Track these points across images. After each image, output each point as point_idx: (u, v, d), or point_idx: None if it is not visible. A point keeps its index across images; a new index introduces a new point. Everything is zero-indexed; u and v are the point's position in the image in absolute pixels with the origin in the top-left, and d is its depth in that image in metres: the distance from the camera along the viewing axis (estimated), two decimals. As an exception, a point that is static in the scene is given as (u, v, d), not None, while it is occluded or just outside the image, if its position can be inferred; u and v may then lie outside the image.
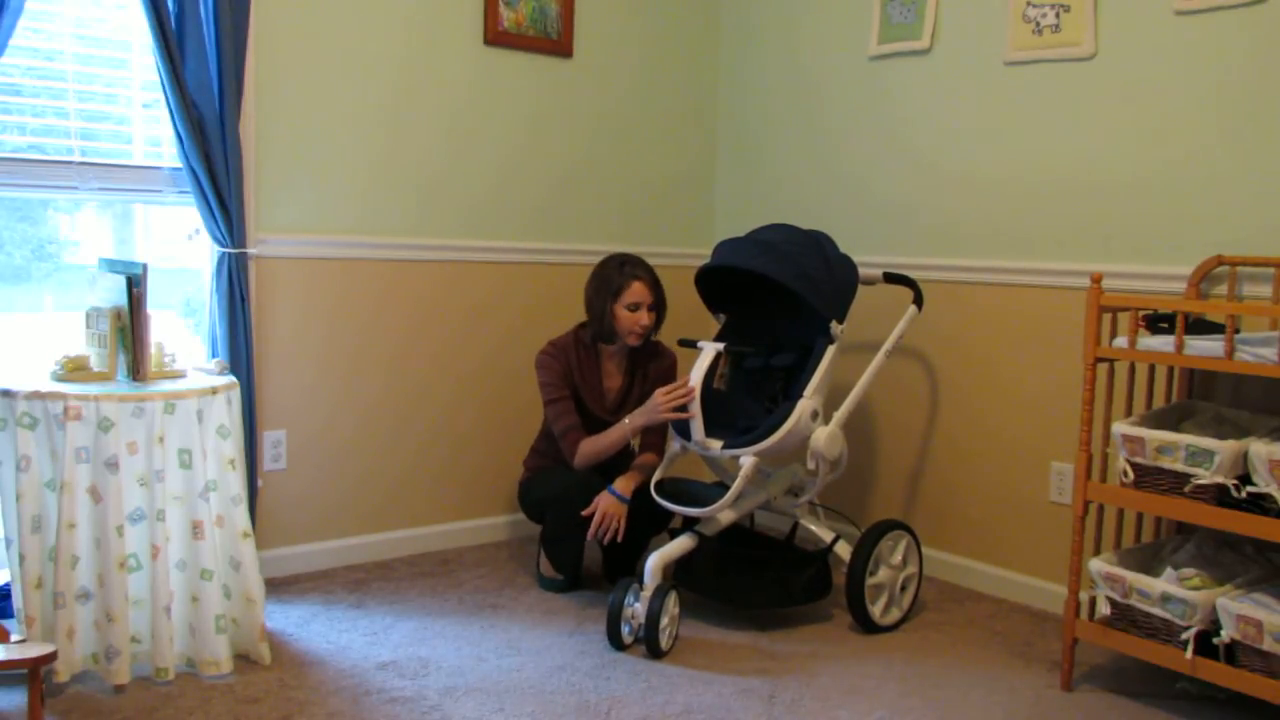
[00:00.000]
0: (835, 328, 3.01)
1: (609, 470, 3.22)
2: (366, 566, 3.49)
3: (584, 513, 3.12)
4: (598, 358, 3.34)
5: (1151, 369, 2.84)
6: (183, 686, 2.55)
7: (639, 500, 3.11)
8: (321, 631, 2.93)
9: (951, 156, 3.48)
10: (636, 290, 3.20)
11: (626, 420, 3.16)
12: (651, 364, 3.36)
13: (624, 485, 3.14)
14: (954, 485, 3.53)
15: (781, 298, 3.12)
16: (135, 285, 2.60)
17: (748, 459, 2.94)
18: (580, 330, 3.34)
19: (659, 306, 3.27)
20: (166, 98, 2.91)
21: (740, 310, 3.29)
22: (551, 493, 3.24)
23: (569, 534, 3.21)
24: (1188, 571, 2.55)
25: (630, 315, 3.21)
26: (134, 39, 3.03)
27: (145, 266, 2.61)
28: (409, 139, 3.52)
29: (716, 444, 2.99)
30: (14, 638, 2.41)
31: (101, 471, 2.45)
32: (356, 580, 3.36)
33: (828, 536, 3.15)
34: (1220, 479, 2.38)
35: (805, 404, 2.94)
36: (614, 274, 3.23)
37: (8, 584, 2.66)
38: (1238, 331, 2.48)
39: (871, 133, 3.73)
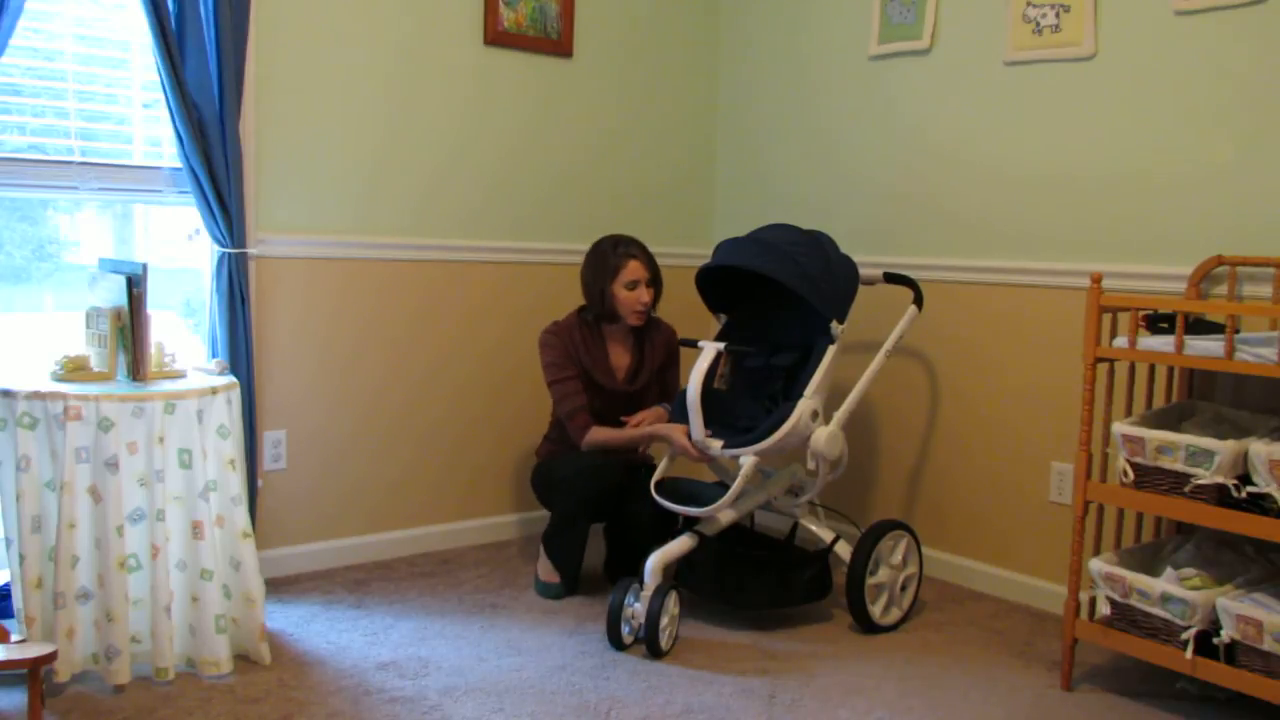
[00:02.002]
0: (836, 328, 3.01)
1: (620, 456, 3.22)
2: (366, 566, 3.49)
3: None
4: (602, 337, 3.33)
5: (1151, 369, 2.84)
6: (183, 686, 2.55)
7: (645, 498, 3.10)
8: (321, 631, 2.93)
9: (951, 156, 3.48)
10: (633, 269, 3.22)
11: (647, 427, 3.18)
12: (656, 336, 3.37)
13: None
14: (954, 485, 3.53)
15: (782, 298, 3.12)
16: (135, 285, 2.60)
17: (748, 458, 2.94)
18: (582, 312, 3.33)
19: (656, 282, 3.28)
20: (166, 98, 2.91)
21: (740, 310, 3.29)
22: (563, 474, 3.18)
23: (574, 518, 3.18)
24: (1188, 571, 2.55)
25: (629, 294, 3.22)
26: (134, 39, 3.02)
27: (145, 266, 2.61)
28: (409, 139, 3.52)
29: (717, 444, 2.99)
30: (14, 638, 2.41)
31: (101, 471, 2.45)
32: (356, 580, 3.36)
33: (828, 536, 3.15)
34: (1220, 479, 2.38)
35: (805, 404, 2.94)
36: (609, 254, 3.25)
37: (8, 584, 2.66)
38: (1238, 331, 2.48)
39: (871, 133, 3.73)
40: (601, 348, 3.32)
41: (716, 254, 3.11)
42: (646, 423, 3.24)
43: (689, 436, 3.04)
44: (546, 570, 3.27)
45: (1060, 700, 2.65)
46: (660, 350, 3.36)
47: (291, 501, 3.38)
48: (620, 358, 3.35)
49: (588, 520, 3.24)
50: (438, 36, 3.54)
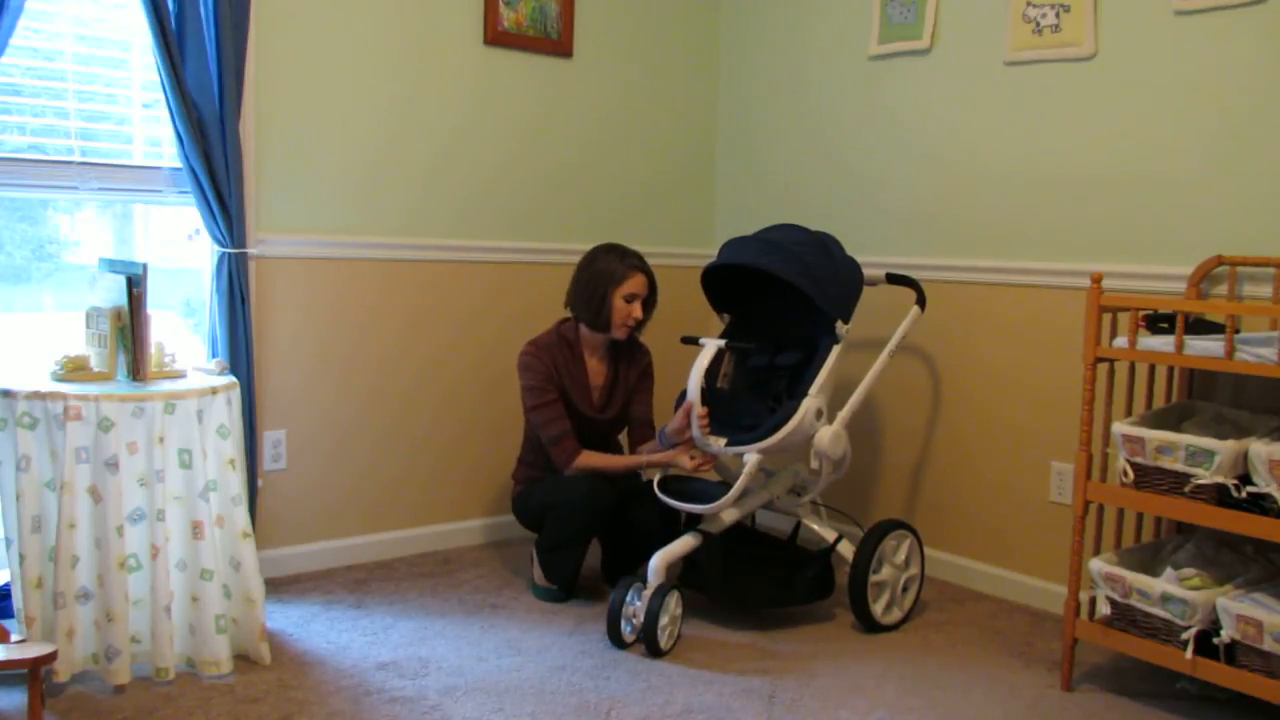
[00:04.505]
0: (840, 327, 3.01)
1: (613, 480, 3.20)
2: (366, 566, 3.49)
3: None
4: (581, 355, 3.29)
5: (1151, 369, 2.85)
6: (183, 686, 2.55)
7: (650, 504, 3.10)
8: (321, 631, 2.93)
9: (952, 157, 3.48)
10: (638, 282, 3.19)
11: (643, 458, 3.17)
12: (633, 359, 3.34)
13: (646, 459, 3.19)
14: (955, 485, 3.53)
15: (787, 297, 3.12)
16: (135, 285, 2.60)
17: (751, 457, 2.94)
18: (563, 326, 3.28)
19: (651, 303, 3.26)
20: (166, 98, 2.91)
21: (745, 309, 3.29)
22: (559, 497, 3.12)
23: (570, 540, 3.13)
24: (1188, 571, 2.55)
25: (625, 306, 3.18)
26: (134, 39, 3.03)
27: (145, 266, 2.61)
28: (409, 139, 3.52)
29: (720, 441, 2.99)
30: (14, 638, 2.41)
31: (101, 471, 2.45)
32: (356, 580, 3.35)
33: (830, 536, 3.14)
34: (1220, 479, 2.38)
35: (809, 403, 2.94)
36: (616, 263, 3.18)
37: (8, 584, 2.66)
38: (1238, 331, 2.48)
39: (871, 133, 3.73)
40: (581, 367, 3.27)
41: (722, 253, 3.11)
42: (645, 452, 3.23)
43: (689, 452, 3.04)
44: (541, 575, 3.24)
45: (1060, 700, 2.65)
46: (635, 373, 3.34)
47: (291, 501, 3.38)
48: (596, 377, 3.31)
49: (588, 540, 3.19)
50: (438, 36, 3.54)
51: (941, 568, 3.53)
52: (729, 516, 3.05)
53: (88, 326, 2.72)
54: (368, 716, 2.45)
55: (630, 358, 3.35)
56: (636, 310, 3.20)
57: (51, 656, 2.20)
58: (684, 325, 3.75)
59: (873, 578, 3.03)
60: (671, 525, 3.15)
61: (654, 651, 2.81)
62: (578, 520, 3.10)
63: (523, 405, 3.23)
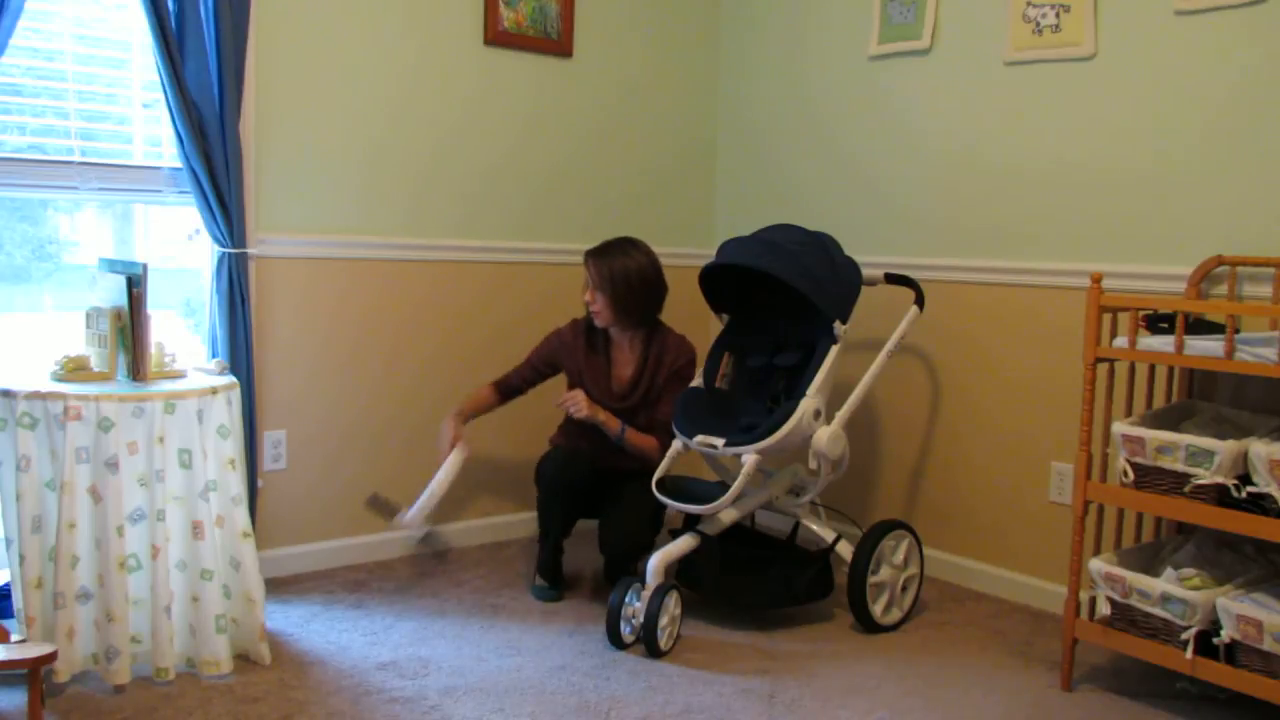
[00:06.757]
0: (839, 328, 3.01)
1: (597, 442, 3.23)
2: (366, 566, 3.49)
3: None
4: (609, 343, 3.34)
5: (1151, 369, 2.84)
6: (183, 686, 2.55)
7: (642, 497, 3.10)
8: (321, 631, 2.93)
9: (952, 157, 3.49)
10: (587, 269, 3.28)
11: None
12: (666, 355, 3.31)
13: (606, 416, 3.22)
14: (954, 485, 3.53)
15: (785, 297, 3.12)
16: (135, 285, 2.60)
17: (749, 457, 2.94)
18: None
19: (606, 288, 3.21)
20: (166, 98, 2.91)
21: (743, 310, 3.28)
22: (541, 466, 3.24)
23: (550, 498, 3.19)
24: (1188, 571, 2.55)
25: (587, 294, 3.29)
26: (134, 39, 3.03)
27: (145, 266, 2.61)
28: (409, 139, 3.52)
29: (719, 441, 2.99)
30: (14, 638, 2.41)
31: (101, 471, 2.45)
32: (356, 580, 3.36)
33: (829, 536, 3.14)
34: (1220, 479, 2.38)
35: (808, 403, 2.94)
36: None
37: (8, 584, 2.66)
38: (1238, 331, 2.48)
39: (872, 133, 3.73)
40: (606, 355, 3.33)
41: (720, 253, 3.11)
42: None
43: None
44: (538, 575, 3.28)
45: (1060, 700, 2.65)
46: (665, 372, 3.30)
47: (291, 501, 3.38)
48: (624, 367, 3.34)
49: (560, 509, 3.20)
50: (438, 36, 3.54)
51: (941, 568, 3.53)
52: (727, 517, 3.05)
53: (88, 326, 2.72)
54: (368, 716, 2.45)
55: (662, 355, 3.32)
56: (586, 295, 3.28)
57: (51, 656, 2.20)
58: (683, 325, 3.74)
59: (871, 578, 3.03)
60: (659, 522, 3.18)
61: (653, 652, 2.81)
62: (548, 488, 3.18)
63: None
